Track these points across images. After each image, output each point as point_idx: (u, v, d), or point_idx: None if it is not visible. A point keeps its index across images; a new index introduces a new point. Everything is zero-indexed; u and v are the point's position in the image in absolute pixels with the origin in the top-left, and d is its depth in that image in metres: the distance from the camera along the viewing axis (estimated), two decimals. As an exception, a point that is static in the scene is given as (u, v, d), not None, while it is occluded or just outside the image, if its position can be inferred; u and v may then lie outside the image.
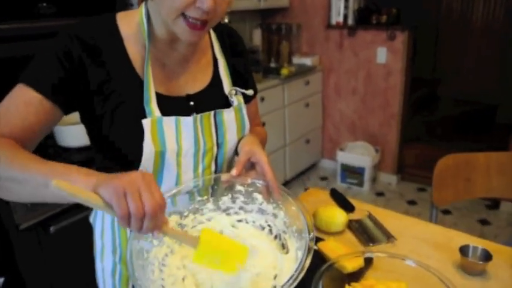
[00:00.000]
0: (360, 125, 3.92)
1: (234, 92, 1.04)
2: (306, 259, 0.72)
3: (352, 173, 3.79)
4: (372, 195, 3.70)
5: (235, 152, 1.07)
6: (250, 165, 0.97)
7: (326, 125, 4.16)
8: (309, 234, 0.78)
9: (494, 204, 3.44)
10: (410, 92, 3.75)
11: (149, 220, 0.66)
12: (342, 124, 4.05)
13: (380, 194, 3.73)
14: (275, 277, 0.84)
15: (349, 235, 1.20)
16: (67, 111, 0.89)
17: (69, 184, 0.63)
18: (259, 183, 0.95)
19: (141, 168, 0.90)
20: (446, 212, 3.35)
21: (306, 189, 3.81)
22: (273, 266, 0.87)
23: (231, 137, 1.02)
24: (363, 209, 1.32)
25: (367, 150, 3.76)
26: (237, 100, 1.04)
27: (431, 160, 4.01)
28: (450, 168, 1.71)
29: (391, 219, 1.27)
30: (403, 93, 3.61)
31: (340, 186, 3.85)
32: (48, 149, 2.01)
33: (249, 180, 0.96)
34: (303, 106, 3.78)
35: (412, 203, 3.55)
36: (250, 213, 0.99)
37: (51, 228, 1.78)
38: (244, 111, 1.05)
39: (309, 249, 0.74)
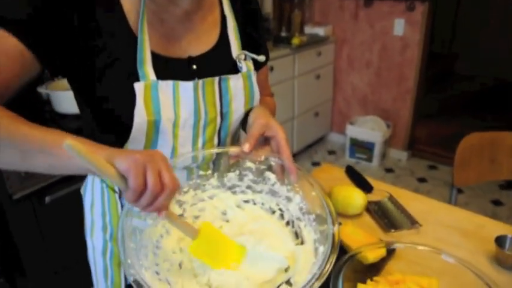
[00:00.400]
0: (372, 100, 3.78)
1: (243, 56, 0.91)
2: (330, 256, 0.60)
3: (361, 147, 3.68)
4: (381, 171, 3.59)
5: (241, 126, 0.95)
6: (263, 140, 0.84)
7: (336, 98, 4.02)
8: (334, 226, 0.67)
9: (507, 184, 3.32)
10: (427, 67, 3.58)
11: (164, 198, 0.61)
12: (353, 98, 3.90)
13: (389, 170, 3.62)
14: (286, 269, 0.74)
15: (368, 219, 1.09)
16: (45, 65, 0.73)
17: (83, 146, 0.55)
18: (274, 161, 0.83)
19: (131, 139, 0.79)
20: (457, 190, 3.23)
21: (313, 164, 3.75)
22: (284, 255, 0.76)
23: (237, 107, 0.90)
24: (381, 189, 1.20)
25: (377, 125, 3.62)
26: (245, 66, 0.91)
27: (443, 137, 3.89)
28: (474, 148, 1.59)
29: (413, 201, 1.15)
30: (419, 68, 3.44)
31: (348, 161, 3.74)
32: (45, 114, 1.92)
33: (263, 158, 0.83)
34: (314, 78, 3.63)
35: (422, 180, 3.44)
36: (260, 194, 0.88)
37: (47, 199, 1.72)
38: (254, 78, 0.92)
39: (334, 245, 0.62)
